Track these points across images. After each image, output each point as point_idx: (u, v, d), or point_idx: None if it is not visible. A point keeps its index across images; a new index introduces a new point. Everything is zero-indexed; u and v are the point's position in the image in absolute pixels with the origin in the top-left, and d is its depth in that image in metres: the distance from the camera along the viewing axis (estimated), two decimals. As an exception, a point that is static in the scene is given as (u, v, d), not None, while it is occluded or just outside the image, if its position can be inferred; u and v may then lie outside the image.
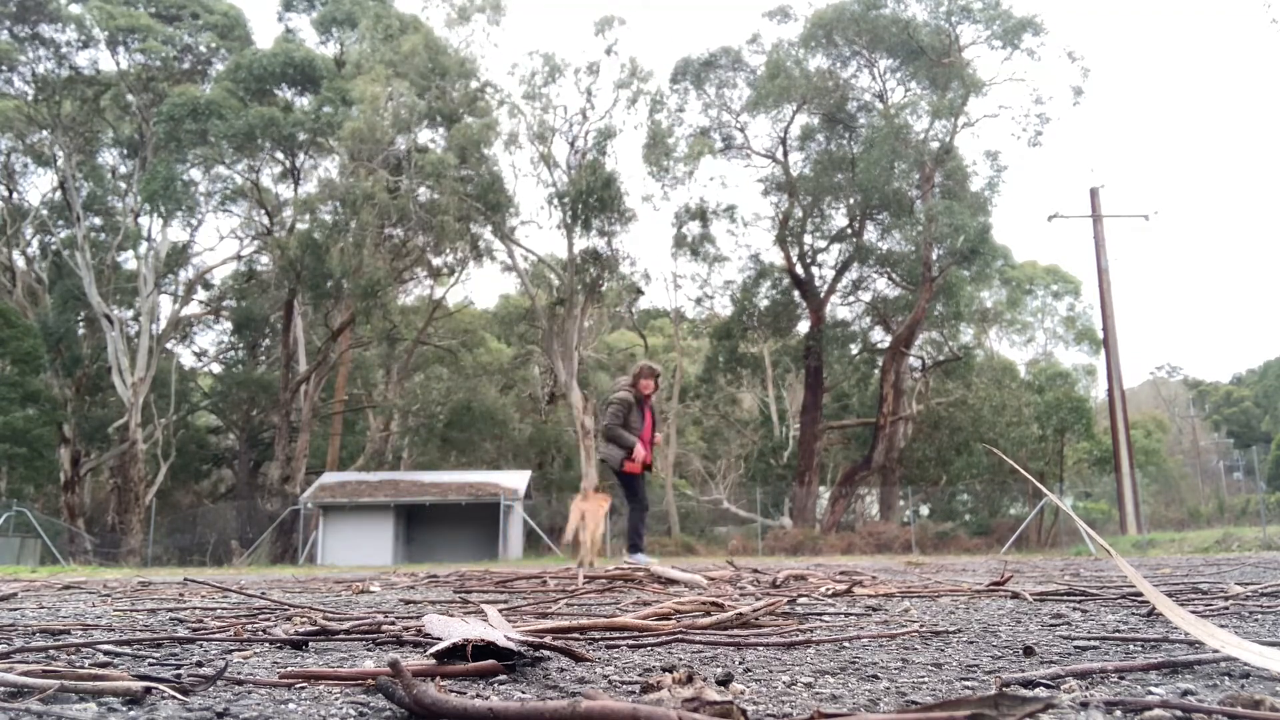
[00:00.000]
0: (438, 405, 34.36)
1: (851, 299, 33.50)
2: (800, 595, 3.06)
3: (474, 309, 39.66)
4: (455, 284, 34.50)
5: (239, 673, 1.42)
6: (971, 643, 1.85)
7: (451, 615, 1.81)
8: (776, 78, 29.23)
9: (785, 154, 31.91)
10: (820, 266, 32.17)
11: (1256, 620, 2.19)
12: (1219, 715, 0.98)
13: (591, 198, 27.89)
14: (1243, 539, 16.54)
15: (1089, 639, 1.83)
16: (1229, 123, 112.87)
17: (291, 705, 1.17)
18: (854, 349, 34.70)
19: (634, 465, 8.42)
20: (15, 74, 28.57)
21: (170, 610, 2.83)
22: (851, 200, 30.43)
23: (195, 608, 2.91)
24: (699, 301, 34.87)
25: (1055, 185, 76.33)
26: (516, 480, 27.67)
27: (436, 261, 32.58)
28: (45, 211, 32.17)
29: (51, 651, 1.64)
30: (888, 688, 1.32)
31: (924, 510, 31.68)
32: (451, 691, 1.25)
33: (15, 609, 3.00)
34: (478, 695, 1.25)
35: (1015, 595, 3.05)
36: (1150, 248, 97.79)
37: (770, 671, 1.49)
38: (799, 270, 31.40)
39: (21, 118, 29.08)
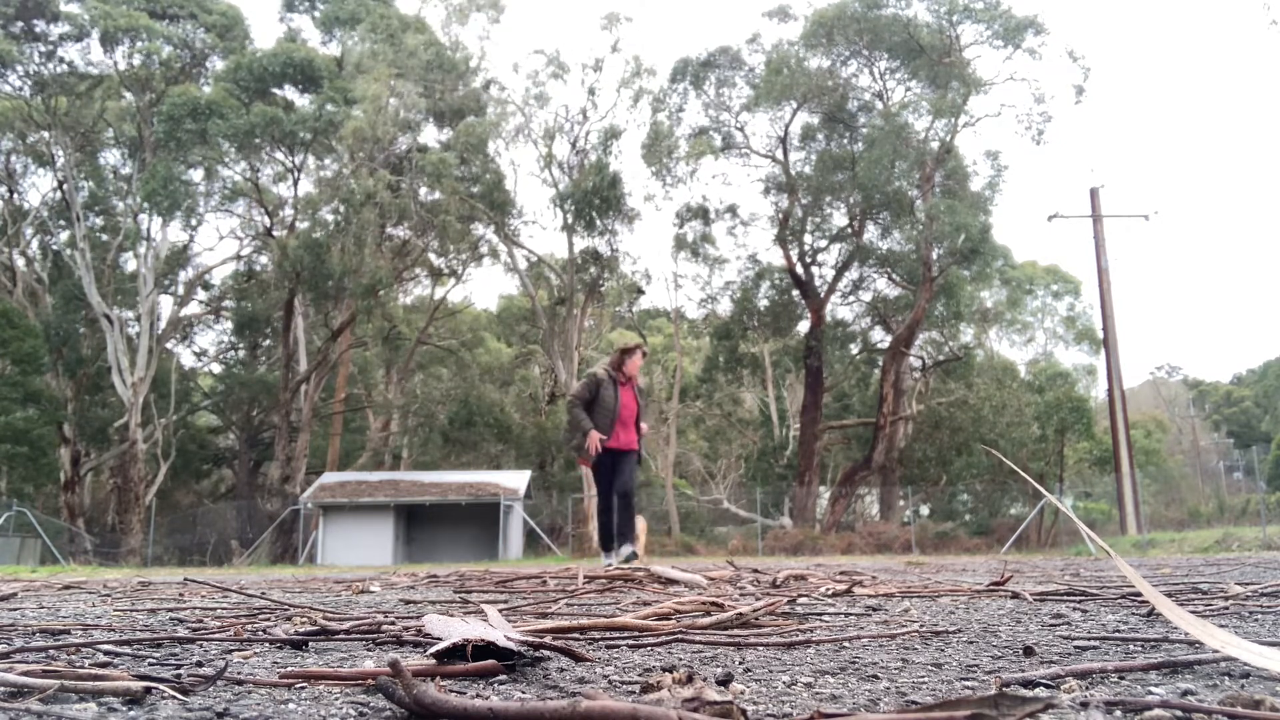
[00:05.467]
0: (438, 405, 34.37)
1: (851, 299, 33.53)
2: (800, 595, 3.06)
3: (474, 309, 39.68)
4: (456, 284, 34.57)
5: (239, 673, 1.42)
6: (971, 643, 1.85)
7: (451, 615, 1.81)
8: (778, 75, 29.24)
9: (785, 153, 31.92)
10: (820, 266, 32.19)
11: (1256, 620, 2.18)
12: (1219, 715, 0.98)
13: (596, 197, 27.93)
14: (1243, 539, 16.53)
15: (1089, 639, 1.83)
16: (1229, 123, 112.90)
17: (291, 705, 1.17)
18: (854, 349, 34.70)
19: (581, 460, 7.64)
20: (12, 71, 28.59)
21: (170, 610, 2.83)
22: (851, 200, 30.43)
23: (195, 608, 2.91)
24: (700, 303, 34.90)
25: (1055, 185, 76.40)
26: (517, 480, 27.67)
27: (438, 261, 32.61)
28: (45, 212, 32.16)
29: (51, 651, 1.64)
30: (888, 688, 1.32)
31: (924, 510, 31.68)
32: (451, 691, 1.25)
33: (15, 609, 3.00)
34: (478, 695, 1.25)
35: (1015, 595, 3.05)
36: (1150, 248, 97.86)
37: (770, 671, 1.49)
38: (799, 270, 31.39)
39: (21, 117, 29.09)
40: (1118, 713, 1.06)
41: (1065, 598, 2.91)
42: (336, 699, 1.22)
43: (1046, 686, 1.26)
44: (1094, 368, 42.64)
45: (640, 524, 8.31)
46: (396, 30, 28.62)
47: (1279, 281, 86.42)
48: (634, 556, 7.31)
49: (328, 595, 3.82)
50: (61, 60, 29.00)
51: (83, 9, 28.26)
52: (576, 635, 1.92)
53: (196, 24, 30.39)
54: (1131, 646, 1.72)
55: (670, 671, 1.17)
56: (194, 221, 31.70)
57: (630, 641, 1.85)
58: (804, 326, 32.54)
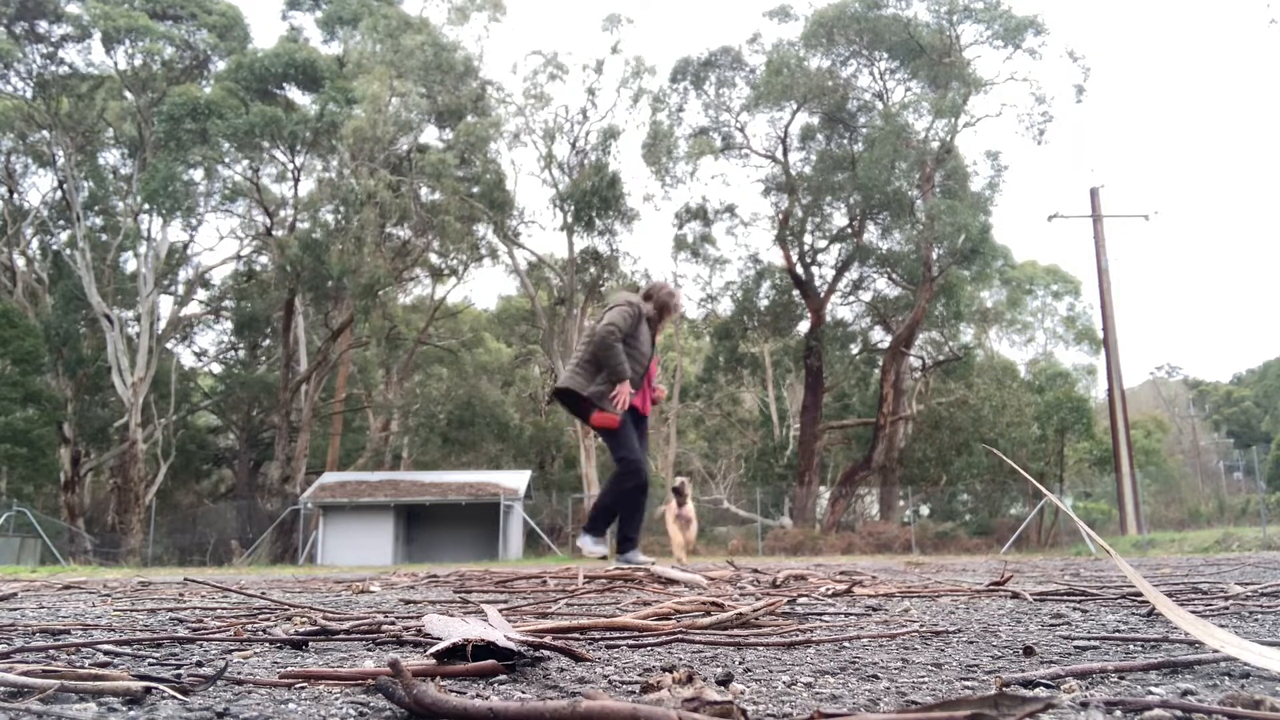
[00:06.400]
0: (438, 405, 34.42)
1: (851, 299, 33.55)
2: (800, 595, 3.06)
3: (474, 309, 39.70)
4: (457, 284, 34.61)
5: (239, 673, 1.42)
6: (971, 643, 1.85)
7: (451, 615, 1.81)
8: (778, 75, 29.25)
9: (785, 153, 31.94)
10: (820, 266, 32.21)
11: (1256, 620, 2.18)
12: (1219, 715, 0.98)
13: (595, 197, 27.98)
14: (1243, 539, 16.53)
15: (1089, 639, 1.83)
16: (1229, 122, 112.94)
17: (291, 705, 1.17)
18: (854, 349, 34.72)
19: (608, 417, 5.37)
20: (13, 72, 28.59)
21: (170, 610, 2.83)
22: (852, 200, 30.44)
23: (195, 608, 2.91)
24: (701, 303, 34.91)
25: (1055, 185, 76.47)
26: (517, 480, 27.68)
27: (438, 261, 32.65)
28: (45, 212, 32.17)
29: (51, 651, 1.64)
30: (888, 688, 1.32)
31: (924, 510, 31.68)
32: (451, 691, 1.25)
33: (15, 609, 3.00)
34: (478, 695, 1.25)
35: (1015, 595, 3.05)
36: (1150, 248, 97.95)
37: (770, 671, 1.49)
38: (799, 270, 31.40)
39: (21, 117, 29.09)
40: (1118, 713, 1.06)
41: (1065, 598, 2.91)
42: (336, 699, 1.22)
43: (1046, 686, 1.26)
44: (1094, 368, 42.66)
45: (689, 511, 6.33)
46: (397, 30, 28.63)
47: (1279, 281, 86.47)
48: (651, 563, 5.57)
49: (328, 595, 3.82)
50: (63, 62, 29.01)
51: (83, 9, 28.26)
52: (576, 635, 1.92)
53: (196, 24, 30.40)
54: (1131, 646, 1.72)
55: (670, 671, 1.17)
56: (194, 221, 31.72)
57: (630, 641, 1.85)
58: (804, 326, 32.55)
